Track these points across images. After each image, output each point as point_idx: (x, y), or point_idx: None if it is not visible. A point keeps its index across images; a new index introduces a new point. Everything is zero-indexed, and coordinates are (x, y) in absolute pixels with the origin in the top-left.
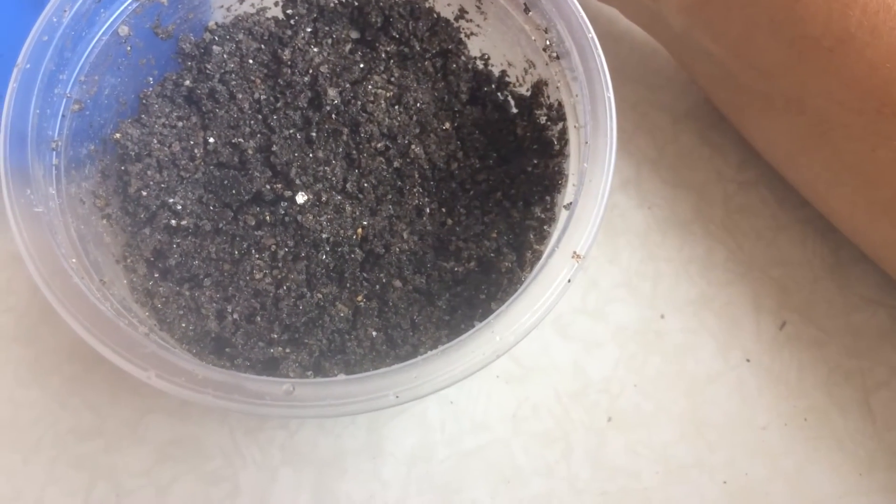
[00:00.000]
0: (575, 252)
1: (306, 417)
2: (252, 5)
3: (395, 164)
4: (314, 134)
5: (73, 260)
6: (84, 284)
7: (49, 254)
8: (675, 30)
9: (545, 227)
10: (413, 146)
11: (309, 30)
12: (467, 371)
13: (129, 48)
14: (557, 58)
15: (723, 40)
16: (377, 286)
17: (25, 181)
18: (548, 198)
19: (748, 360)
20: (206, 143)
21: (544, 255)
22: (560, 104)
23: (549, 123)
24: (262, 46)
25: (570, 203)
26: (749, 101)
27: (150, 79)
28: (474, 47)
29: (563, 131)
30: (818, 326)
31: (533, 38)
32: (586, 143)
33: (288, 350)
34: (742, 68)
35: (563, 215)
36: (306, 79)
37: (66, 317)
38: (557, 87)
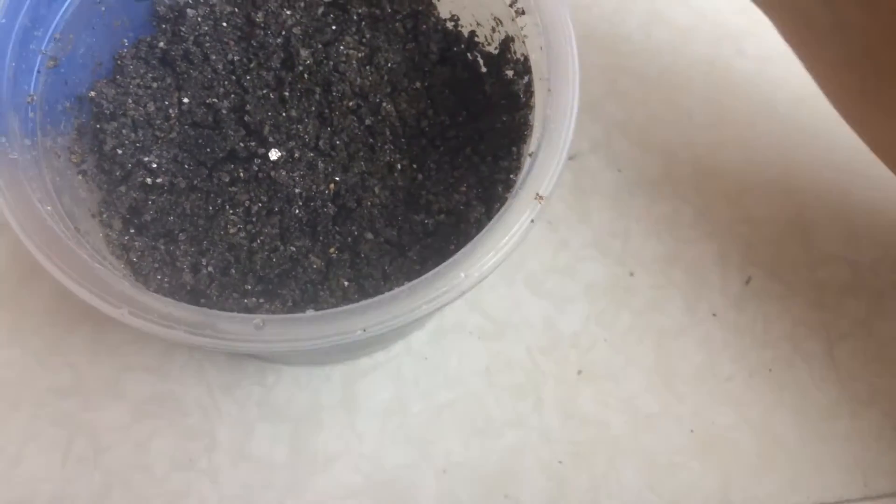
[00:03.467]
0: (538, 193)
1: (276, 352)
2: None
3: (367, 121)
4: (287, 93)
5: (49, 207)
6: (59, 229)
7: (25, 198)
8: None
9: (511, 176)
10: (384, 104)
11: None
12: (433, 307)
13: (103, 9)
14: (523, 13)
15: (874, 6)
16: (349, 238)
17: (2, 130)
18: (514, 149)
19: (714, 315)
20: (180, 103)
21: (509, 199)
22: (526, 58)
23: (515, 78)
24: (236, 10)
25: (534, 151)
26: (890, 85)
27: (125, 41)
28: (444, 9)
29: (529, 84)
30: (783, 281)
31: None
32: (549, 90)
33: (262, 300)
34: (891, 43)
35: (527, 162)
36: (279, 40)
37: (41, 258)
38: (523, 42)
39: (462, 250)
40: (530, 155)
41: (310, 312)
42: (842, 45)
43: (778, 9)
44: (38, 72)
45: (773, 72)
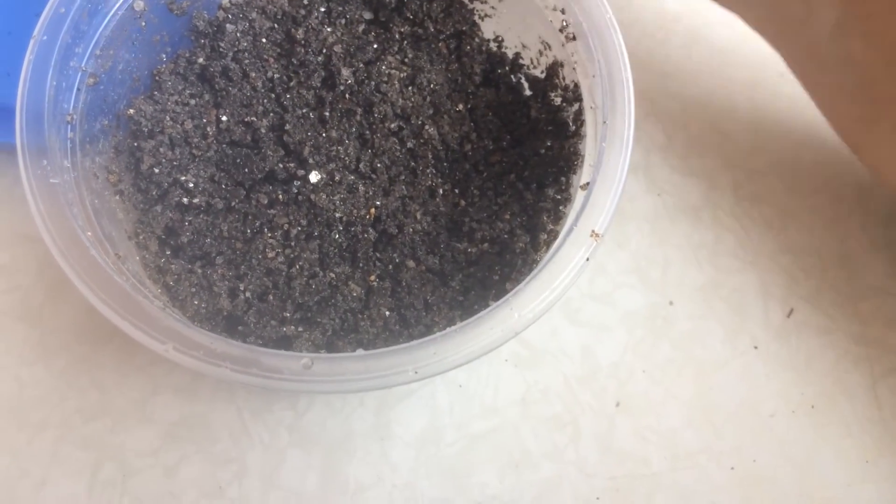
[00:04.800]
0: (593, 231)
1: (324, 392)
2: None
3: (409, 144)
4: (327, 113)
5: (89, 233)
6: (100, 257)
7: (65, 225)
8: (819, 28)
9: (560, 207)
10: (426, 127)
11: (322, 9)
12: (485, 348)
13: (143, 23)
14: (574, 38)
15: (878, 41)
16: (390, 266)
17: (42, 153)
18: (563, 178)
19: (756, 347)
20: (218, 121)
21: (561, 235)
22: (576, 85)
23: (564, 105)
24: (276, 25)
25: (588, 183)
26: (886, 115)
27: (164, 56)
28: (488, 29)
29: (579, 112)
30: (826, 314)
31: (549, 19)
32: (604, 122)
33: (301, 329)
34: (891, 76)
35: (579, 195)
36: (320, 58)
37: (83, 288)
38: (574, 69)
39: (515, 289)
40: (582, 187)
41: (359, 352)
42: (845, 76)
43: (785, 40)
44: (79, 90)
45: None
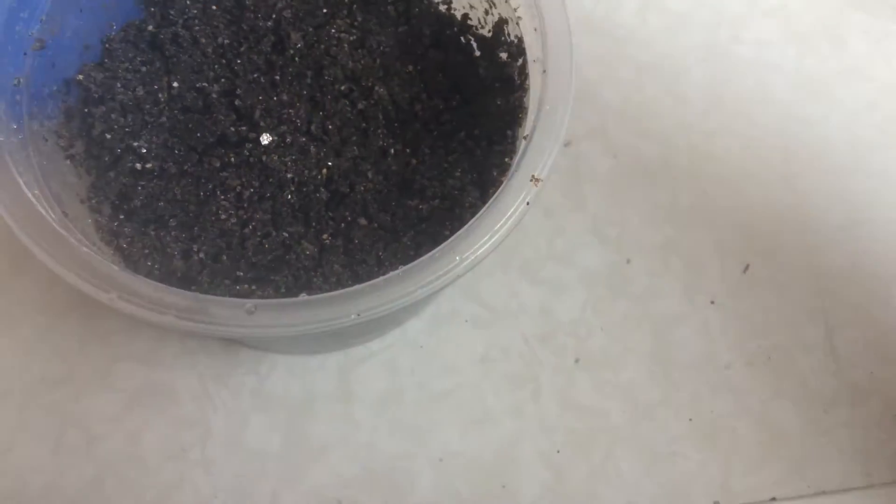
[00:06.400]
0: (534, 175)
1: (268, 338)
2: None
3: (360, 105)
4: (278, 77)
5: (36, 191)
6: (47, 213)
7: (11, 181)
8: None
9: (506, 159)
10: (377, 88)
11: None
12: (428, 291)
13: None
14: None
15: None
16: (342, 224)
17: None
18: (509, 132)
19: (713, 302)
20: (170, 87)
21: (504, 182)
22: (520, 40)
23: (509, 60)
24: None
25: (530, 133)
26: None
27: (114, 24)
28: None
29: (523, 66)
30: (781, 269)
31: None
32: (544, 72)
33: (254, 287)
34: None
35: (523, 146)
36: (269, 23)
37: (28, 242)
38: (517, 24)
39: (457, 234)
40: (525, 137)
41: (303, 297)
42: None
43: None
44: (25, 54)
45: (770, 57)
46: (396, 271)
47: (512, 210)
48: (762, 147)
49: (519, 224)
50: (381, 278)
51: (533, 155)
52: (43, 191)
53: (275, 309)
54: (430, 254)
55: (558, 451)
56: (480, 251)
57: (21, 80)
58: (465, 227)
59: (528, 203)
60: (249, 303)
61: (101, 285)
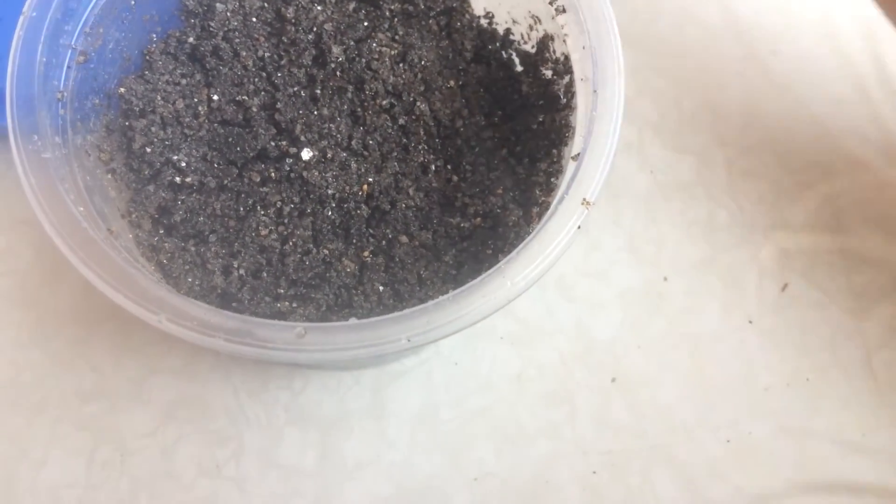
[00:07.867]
0: (584, 199)
1: (317, 363)
2: None
3: (401, 121)
4: (319, 91)
5: (81, 208)
6: (92, 231)
7: (57, 199)
8: None
9: (552, 179)
10: (418, 103)
11: None
12: (478, 316)
13: (132, 2)
14: (564, 11)
15: None
16: (383, 242)
17: (32, 128)
18: (554, 151)
19: (750, 322)
20: (209, 100)
21: (553, 205)
22: (566, 58)
23: (555, 78)
24: (266, 4)
25: (579, 153)
26: None
27: (154, 35)
28: (478, 5)
29: (570, 84)
30: (819, 288)
31: None
32: (594, 91)
33: (295, 305)
34: None
35: (570, 166)
36: (310, 37)
37: (74, 261)
38: (564, 41)
39: (507, 257)
40: (573, 158)
41: (352, 321)
42: None
43: None
44: (69, 67)
45: (809, 72)
46: (447, 295)
47: (563, 234)
48: (801, 164)
49: (570, 247)
50: (431, 302)
51: (584, 177)
52: (87, 208)
53: (324, 332)
54: (479, 277)
55: (594, 473)
56: (532, 275)
57: (64, 94)
58: (516, 250)
59: (579, 227)
60: (299, 326)
61: (150, 307)
